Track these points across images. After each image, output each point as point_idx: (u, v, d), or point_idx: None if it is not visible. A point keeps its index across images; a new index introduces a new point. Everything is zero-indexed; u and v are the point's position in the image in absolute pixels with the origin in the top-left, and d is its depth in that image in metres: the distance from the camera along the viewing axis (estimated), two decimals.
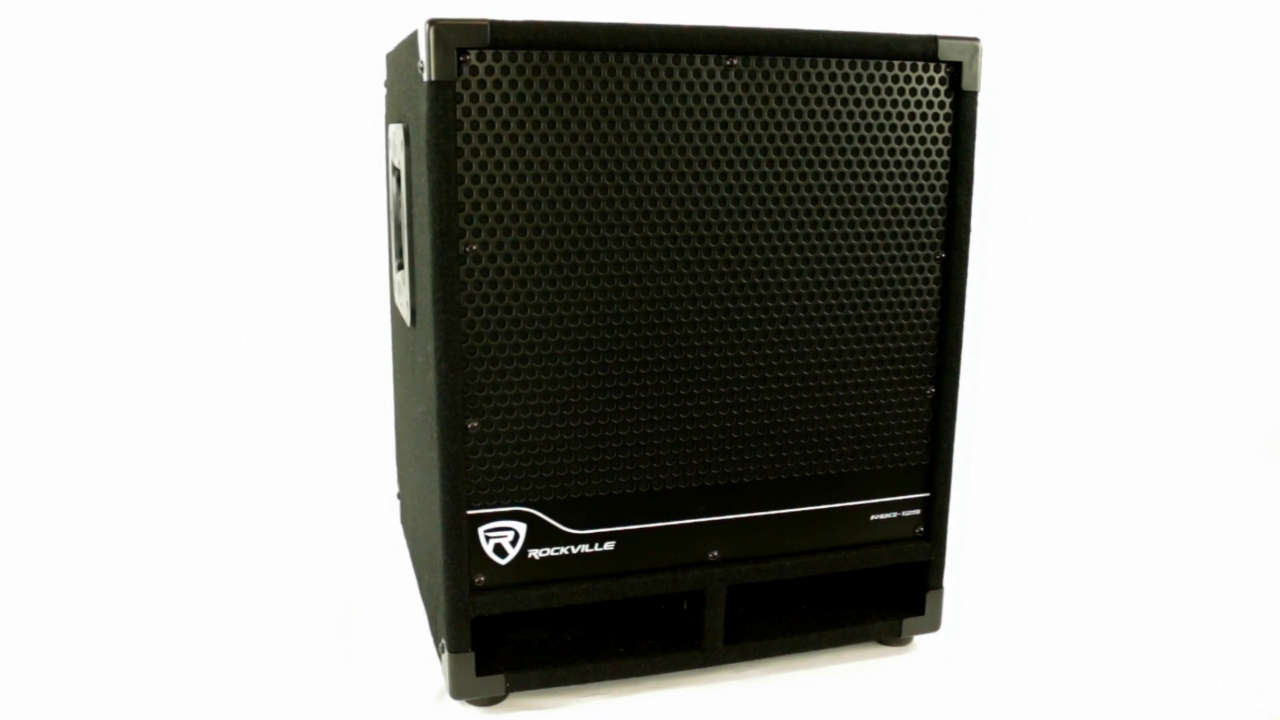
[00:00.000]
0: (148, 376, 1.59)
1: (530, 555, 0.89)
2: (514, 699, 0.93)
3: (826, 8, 1.13)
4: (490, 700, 0.91)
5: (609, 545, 0.91)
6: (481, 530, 0.87)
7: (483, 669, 0.90)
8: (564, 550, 0.89)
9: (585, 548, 0.90)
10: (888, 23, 1.00)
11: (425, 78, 0.79)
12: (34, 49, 1.52)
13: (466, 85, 0.79)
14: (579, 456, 0.88)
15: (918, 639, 1.04)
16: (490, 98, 0.80)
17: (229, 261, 1.61)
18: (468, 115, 0.80)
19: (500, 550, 0.88)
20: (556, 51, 0.81)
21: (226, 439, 1.54)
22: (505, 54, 0.80)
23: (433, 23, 0.78)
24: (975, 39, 0.90)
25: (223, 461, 1.49)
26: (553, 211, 0.83)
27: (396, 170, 1.00)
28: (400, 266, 1.01)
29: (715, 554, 0.94)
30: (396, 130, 0.98)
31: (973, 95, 0.91)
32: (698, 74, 0.84)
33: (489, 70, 0.80)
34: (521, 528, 0.88)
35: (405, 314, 0.99)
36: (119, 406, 1.57)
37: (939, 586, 1.01)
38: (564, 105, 0.82)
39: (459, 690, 0.89)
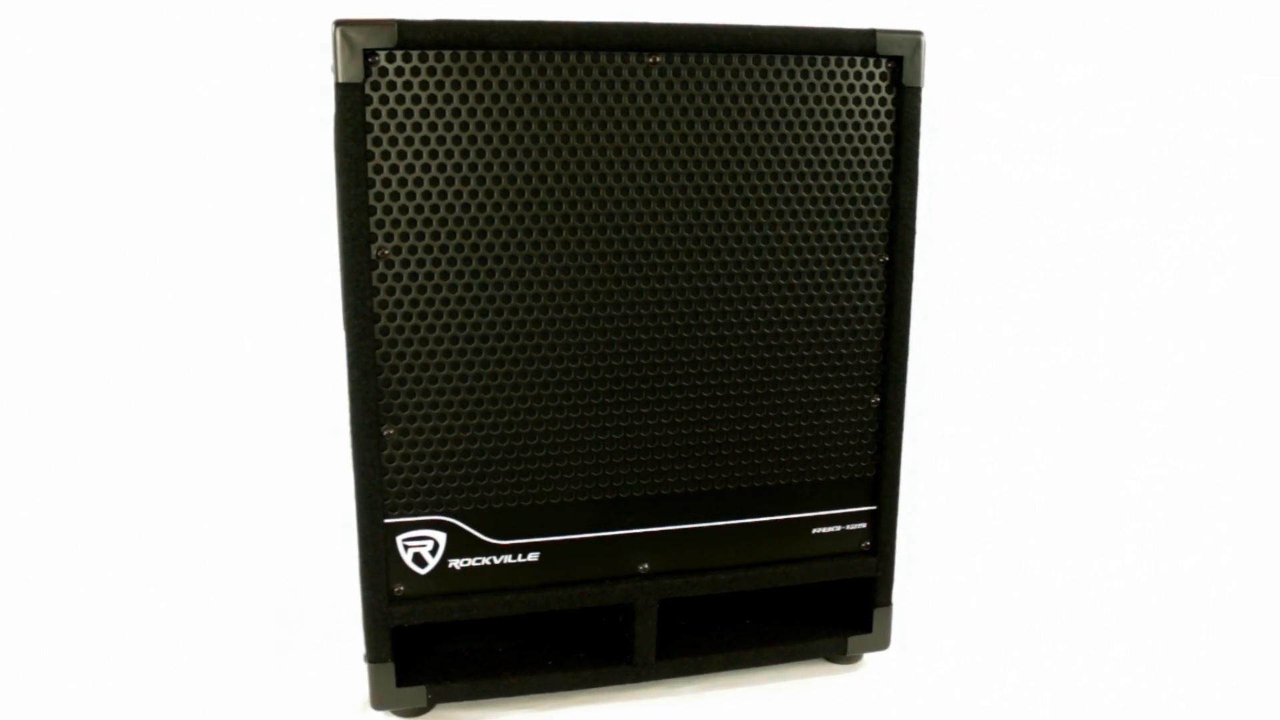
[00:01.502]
0: (104, 375, 1.55)
1: (451, 565, 0.87)
2: (440, 710, 0.91)
3: (781, 4, 1.09)
4: (413, 712, 0.90)
5: (533, 556, 0.88)
6: (400, 539, 0.85)
7: (404, 680, 0.88)
8: (486, 561, 0.87)
9: (508, 558, 0.88)
10: (846, 17, 0.96)
11: (333, 79, 0.77)
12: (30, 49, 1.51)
13: (376, 87, 0.78)
14: (500, 465, 0.86)
15: (867, 657, 1.01)
16: (401, 99, 0.78)
17: (216, 261, 1.60)
18: (378, 117, 0.78)
19: (419, 560, 0.86)
20: (469, 51, 0.78)
21: (189, 441, 1.52)
22: (416, 54, 0.78)
23: (339, 23, 0.76)
24: (918, 32, 0.86)
25: (193, 460, 1.48)
26: (467, 215, 0.81)
27: None
28: None
29: (646, 566, 0.91)
30: None
31: (915, 91, 0.87)
32: (618, 72, 0.81)
33: (399, 71, 0.78)
34: (441, 537, 0.86)
35: None
36: (74, 404, 1.54)
37: (887, 603, 0.97)
38: (477, 106, 0.79)
39: (379, 701, 0.88)
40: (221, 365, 1.51)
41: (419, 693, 0.88)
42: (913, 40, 0.86)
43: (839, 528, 0.95)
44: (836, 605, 1.00)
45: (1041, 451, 1.59)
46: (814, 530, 0.94)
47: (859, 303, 0.90)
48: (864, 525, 0.96)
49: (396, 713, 0.90)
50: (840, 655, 0.98)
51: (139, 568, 1.18)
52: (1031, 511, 1.39)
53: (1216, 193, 1.76)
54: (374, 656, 0.87)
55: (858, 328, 0.91)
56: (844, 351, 0.91)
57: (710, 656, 0.94)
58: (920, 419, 1.38)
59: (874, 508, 0.95)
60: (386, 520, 0.85)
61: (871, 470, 0.94)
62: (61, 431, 1.46)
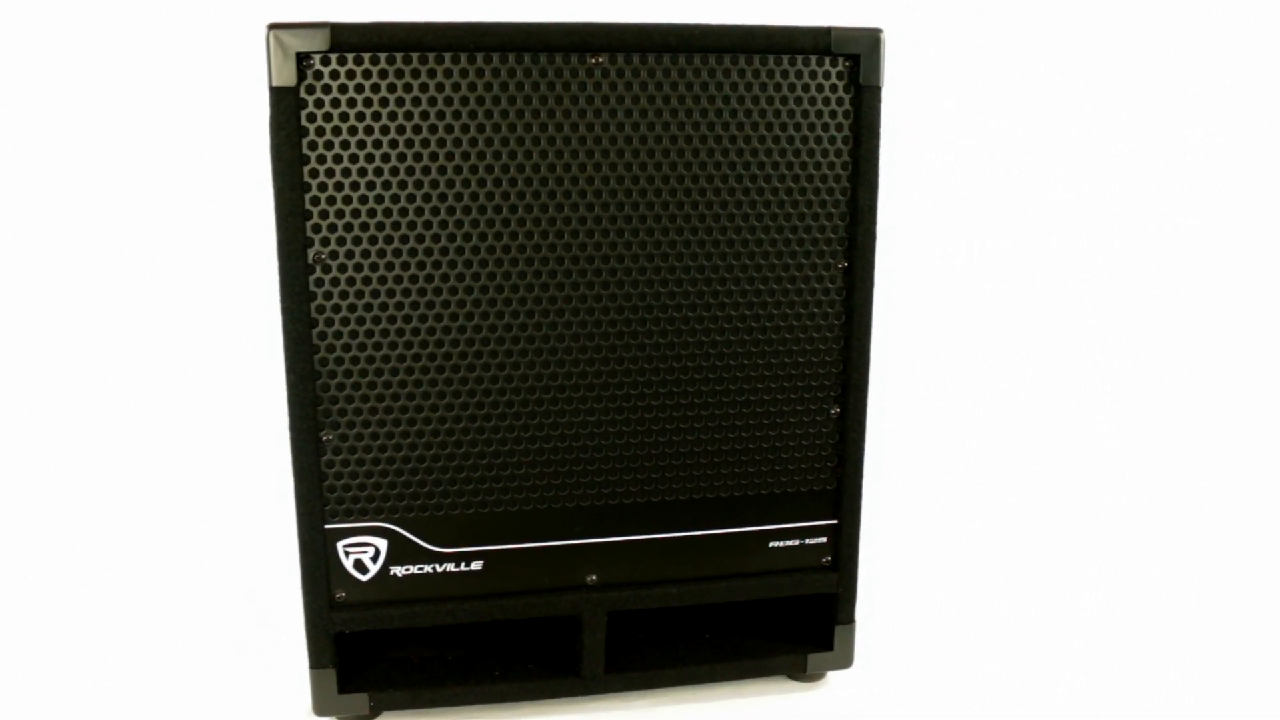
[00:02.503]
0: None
1: (393, 573, 0.86)
2: (387, 717, 0.91)
3: (743, 3, 1.06)
4: (358, 719, 0.89)
5: (476, 565, 0.87)
6: (340, 545, 0.85)
7: (347, 686, 0.88)
8: (428, 569, 0.86)
9: (451, 567, 0.87)
10: (810, 15, 0.92)
11: (268, 83, 0.76)
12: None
13: (311, 90, 0.77)
14: (441, 473, 0.85)
15: (831, 676, 0.97)
16: (336, 103, 0.77)
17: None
18: (313, 121, 0.77)
19: (361, 566, 0.86)
20: (404, 54, 0.77)
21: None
22: (350, 57, 0.77)
23: (272, 26, 0.75)
24: (876, 30, 0.83)
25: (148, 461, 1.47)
26: (405, 220, 0.80)
27: None
28: None
29: (594, 578, 0.89)
30: None
31: (875, 90, 0.84)
32: (558, 74, 0.79)
33: (334, 75, 0.77)
34: (382, 544, 0.85)
35: None
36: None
37: (850, 621, 0.94)
38: (414, 110, 0.78)
39: (321, 707, 0.87)
40: (169, 369, 1.49)
41: (361, 700, 0.87)
42: (870, 38, 0.83)
43: (797, 542, 0.92)
44: (798, 621, 0.97)
45: (1016, 463, 1.55)
46: (771, 544, 0.92)
47: (816, 310, 0.87)
48: (824, 540, 0.93)
49: (340, 719, 0.89)
50: (801, 673, 0.95)
51: (84, 572, 1.18)
52: (1005, 526, 1.35)
53: (1190, 193, 1.71)
54: (315, 662, 0.86)
55: (815, 335, 0.88)
56: (801, 360, 0.88)
57: (662, 671, 0.92)
58: (888, 430, 1.46)
59: (835, 522, 0.92)
60: (327, 526, 0.84)
61: (832, 483, 0.91)
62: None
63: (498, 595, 0.88)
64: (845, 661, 0.95)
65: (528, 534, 0.87)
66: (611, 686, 0.91)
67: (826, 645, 0.95)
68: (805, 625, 0.97)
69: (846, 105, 0.84)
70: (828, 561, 0.93)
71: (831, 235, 0.86)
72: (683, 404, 0.87)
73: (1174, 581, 1.18)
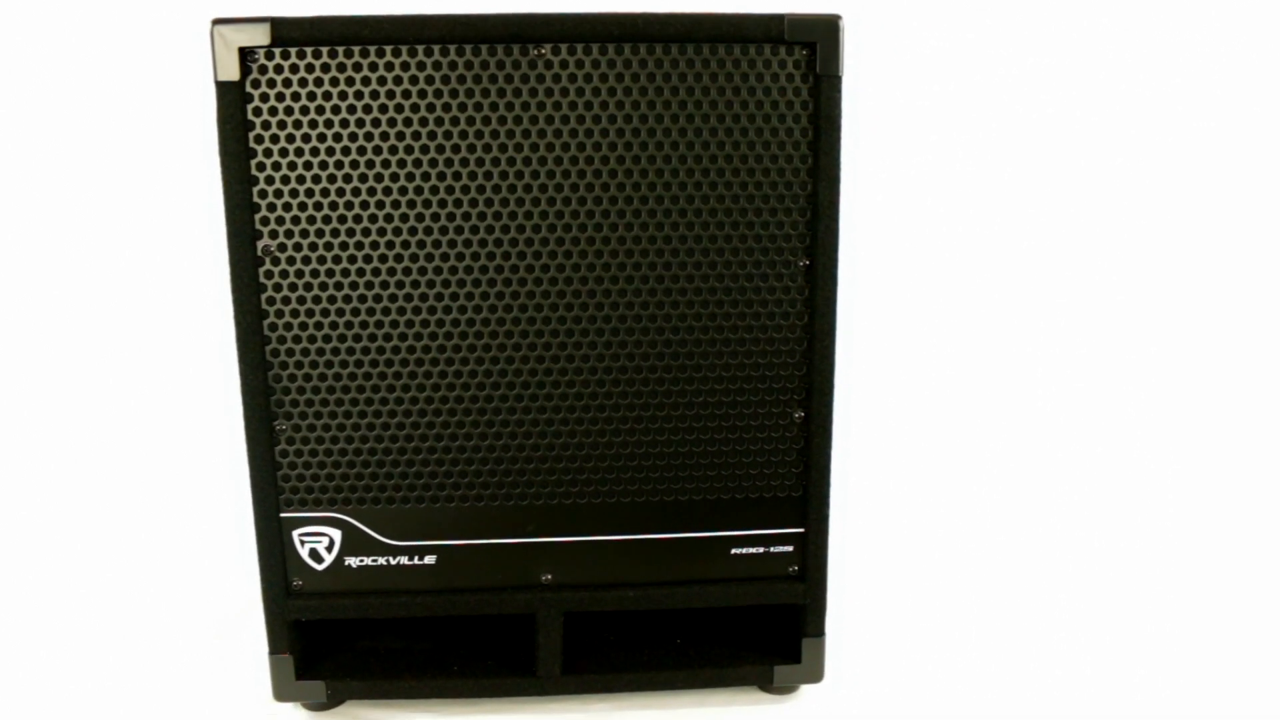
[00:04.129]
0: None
1: (347, 563, 0.87)
2: (349, 707, 0.92)
3: None
4: (320, 707, 0.90)
5: (429, 559, 0.87)
6: (296, 534, 0.86)
7: (306, 673, 0.89)
8: (381, 561, 0.87)
9: (404, 560, 0.87)
10: (788, 3, 0.89)
11: (213, 78, 0.78)
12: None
13: (256, 85, 0.78)
14: (393, 465, 0.85)
15: (805, 689, 0.94)
16: (281, 96, 0.78)
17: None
18: (259, 115, 0.79)
19: (316, 555, 0.87)
20: (346, 47, 0.78)
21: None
22: (294, 51, 0.78)
23: (216, 22, 0.77)
24: (834, 16, 0.79)
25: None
26: (351, 212, 0.81)
27: None
28: None
29: (549, 577, 0.88)
30: None
31: (834, 80, 0.79)
32: (500, 65, 0.78)
33: (278, 69, 0.78)
34: (336, 534, 0.86)
35: None
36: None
37: (819, 634, 0.90)
38: (356, 103, 0.79)
39: (280, 692, 0.89)
40: (135, 363, 1.52)
41: (319, 687, 0.89)
42: (827, 24, 0.78)
43: (761, 549, 0.89)
44: (767, 631, 0.94)
45: (997, 468, 1.50)
46: (733, 550, 0.89)
47: (776, 309, 0.84)
48: (790, 548, 0.89)
49: (306, 707, 0.91)
50: (766, 684, 0.92)
51: (47, 560, 1.22)
52: (989, 533, 1.30)
53: (1171, 189, 1.66)
54: (274, 648, 0.88)
55: (776, 336, 0.84)
56: (762, 361, 0.85)
57: (619, 675, 0.90)
58: (866, 435, 1.47)
59: (801, 530, 0.88)
60: (282, 514, 0.86)
61: (798, 489, 0.87)
62: None
63: (451, 591, 0.87)
64: (815, 676, 0.91)
65: (481, 530, 0.87)
66: (567, 688, 0.90)
67: (794, 658, 0.91)
68: (773, 636, 0.93)
69: (804, 96, 0.80)
70: (794, 571, 0.89)
71: (791, 232, 0.83)
72: (639, 403, 0.85)
73: (1152, 592, 1.14)
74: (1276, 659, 0.99)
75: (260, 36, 0.77)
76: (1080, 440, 1.56)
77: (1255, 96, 1.63)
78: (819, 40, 0.79)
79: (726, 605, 0.89)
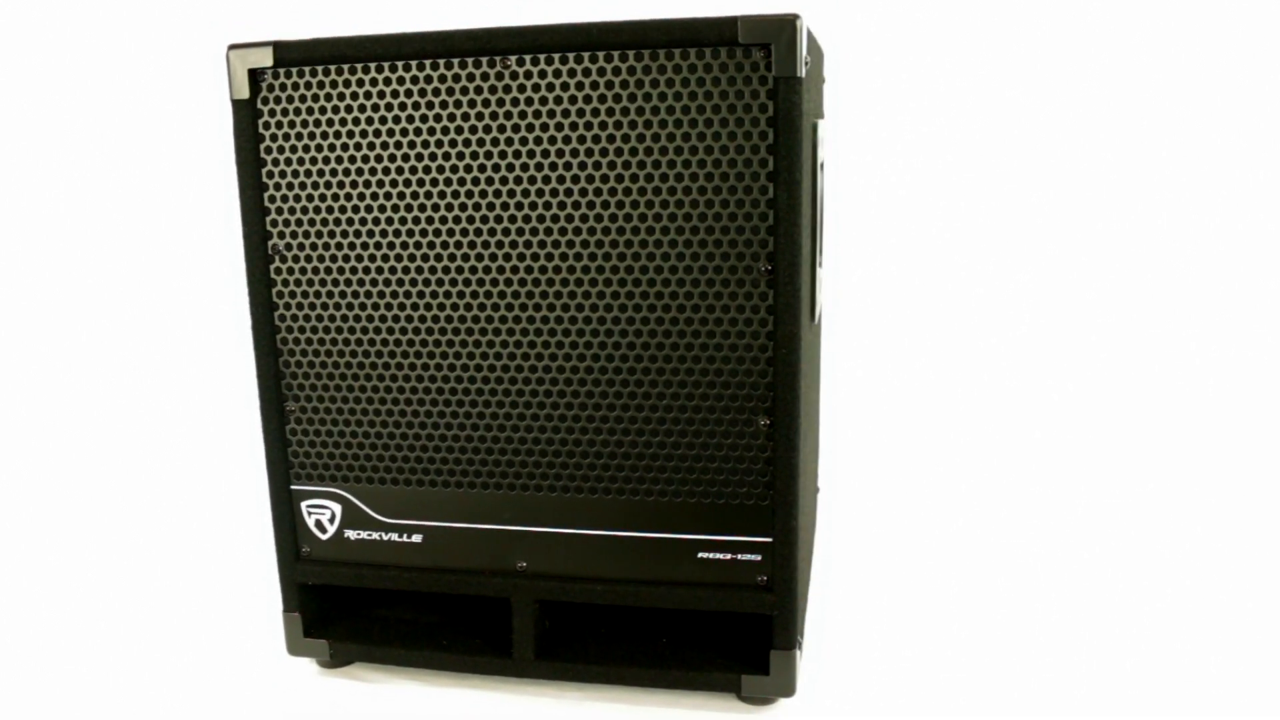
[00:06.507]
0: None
1: (346, 535, 0.95)
2: (356, 669, 1.00)
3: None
4: (327, 664, 0.99)
5: (417, 538, 0.94)
6: (304, 505, 0.95)
7: (311, 632, 0.98)
8: (375, 536, 0.94)
9: (395, 536, 0.94)
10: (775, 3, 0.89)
11: (229, 96, 0.88)
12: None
13: (265, 102, 0.87)
14: (385, 448, 0.92)
15: (784, 703, 0.92)
16: (286, 112, 0.87)
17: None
18: (268, 129, 0.88)
19: (320, 526, 0.95)
20: (338, 66, 0.85)
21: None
22: (295, 71, 0.86)
23: (231, 47, 0.87)
24: (792, 16, 0.77)
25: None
26: (343, 216, 0.88)
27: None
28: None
29: (524, 565, 0.92)
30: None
31: (792, 81, 0.78)
32: (470, 78, 0.83)
33: (283, 87, 0.87)
34: (337, 508, 0.95)
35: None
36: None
37: (789, 648, 0.88)
38: (347, 116, 0.86)
39: (291, 647, 0.98)
40: (168, 352, 1.81)
41: (322, 646, 0.98)
42: (781, 25, 0.77)
43: (728, 556, 0.88)
44: (743, 640, 0.93)
45: (992, 477, 1.46)
46: (699, 554, 0.89)
47: (739, 315, 0.83)
48: (759, 557, 0.88)
49: (320, 664, 1.00)
50: (735, 693, 0.91)
51: (91, 529, 1.37)
52: (970, 542, 1.25)
53: (1162, 190, 1.70)
54: (286, 607, 0.98)
55: (739, 342, 0.84)
56: (725, 367, 0.84)
57: (590, 666, 0.93)
58: (857, 439, 1.51)
59: (769, 539, 0.87)
60: (292, 486, 0.95)
61: (765, 498, 0.86)
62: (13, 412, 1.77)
63: (436, 569, 0.93)
64: (786, 690, 0.90)
65: (464, 514, 0.92)
66: (540, 673, 0.93)
67: (763, 669, 0.89)
68: (747, 645, 0.92)
69: (762, 99, 0.79)
70: (763, 581, 0.88)
71: (752, 237, 0.82)
72: (601, 404, 0.87)
73: (1135, 599, 1.10)
74: (1262, 661, 0.89)
75: (265, 58, 0.86)
76: (1079, 442, 1.55)
77: (1247, 99, 1.66)
78: (774, 41, 0.77)
79: (694, 609, 0.90)
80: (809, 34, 0.81)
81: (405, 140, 0.85)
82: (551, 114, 0.82)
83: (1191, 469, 1.46)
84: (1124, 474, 1.44)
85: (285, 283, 0.91)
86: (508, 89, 0.83)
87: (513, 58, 0.82)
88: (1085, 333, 1.75)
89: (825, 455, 1.49)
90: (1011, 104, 1.67)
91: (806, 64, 0.80)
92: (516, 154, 0.84)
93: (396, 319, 0.89)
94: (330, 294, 0.90)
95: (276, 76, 0.87)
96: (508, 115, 0.83)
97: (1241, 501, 1.34)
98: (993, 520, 1.31)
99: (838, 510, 1.35)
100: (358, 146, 0.86)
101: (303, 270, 0.90)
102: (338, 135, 0.87)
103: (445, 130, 0.85)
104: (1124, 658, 0.97)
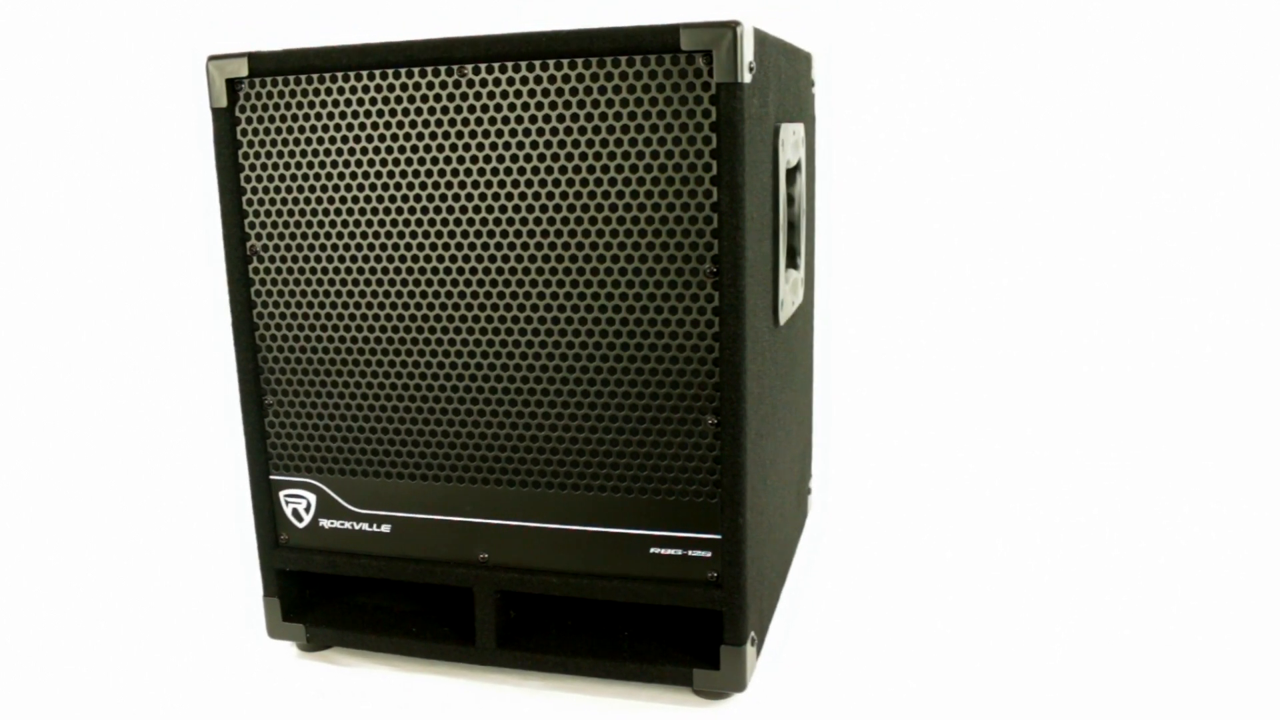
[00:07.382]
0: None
1: (321, 524, 0.99)
2: (333, 653, 1.04)
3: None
4: (305, 647, 1.04)
5: (385, 528, 0.97)
6: (282, 494, 1.00)
7: (289, 616, 1.03)
8: (347, 525, 0.98)
9: (365, 526, 0.98)
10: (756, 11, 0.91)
11: (209, 105, 0.93)
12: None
13: (243, 110, 0.92)
14: (354, 440, 0.96)
15: (737, 697, 0.94)
16: (261, 119, 0.92)
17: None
18: (245, 135, 0.92)
19: (297, 514, 1.00)
20: (308, 75, 0.89)
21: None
22: (269, 80, 0.91)
23: (211, 58, 0.91)
24: (732, 23, 0.79)
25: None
26: (316, 219, 0.92)
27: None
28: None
29: (485, 556, 0.95)
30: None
31: (733, 87, 0.80)
32: (430, 86, 0.87)
33: (259, 96, 0.91)
34: (312, 497, 0.99)
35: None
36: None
37: (739, 644, 0.90)
38: (316, 124, 0.90)
39: (271, 630, 1.03)
40: (158, 349, 1.91)
41: (299, 629, 1.02)
42: (721, 33, 0.79)
43: (679, 552, 0.90)
44: (699, 636, 0.95)
45: (988, 477, 1.46)
46: (651, 550, 0.91)
47: (685, 316, 0.85)
48: (708, 554, 0.90)
49: (299, 647, 1.05)
50: (687, 686, 0.93)
51: (91, 515, 1.43)
52: (974, 548, 1.24)
53: (1157, 190, 1.71)
54: (266, 591, 1.02)
55: (685, 343, 0.86)
56: (673, 367, 0.86)
57: (549, 656, 0.95)
58: (854, 442, 1.52)
59: (718, 536, 0.89)
60: (271, 476, 1.00)
61: (715, 495, 0.88)
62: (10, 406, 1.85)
63: (403, 559, 0.97)
64: (737, 684, 0.91)
65: (429, 506, 0.95)
66: (501, 661, 0.96)
67: (714, 664, 0.91)
68: (702, 640, 0.94)
69: (705, 105, 0.81)
70: (713, 577, 0.90)
71: (698, 240, 0.84)
72: (556, 401, 0.90)
73: (1132, 599, 1.09)
74: (1258, 661, 0.87)
75: (241, 69, 0.90)
76: (1074, 442, 1.54)
77: (1245, 99, 1.66)
78: (714, 48, 0.79)
79: (647, 603, 0.92)
80: (776, 40, 0.82)
81: (370, 146, 0.89)
82: (505, 120, 0.85)
83: (1186, 467, 1.44)
84: (1119, 473, 1.43)
85: (263, 282, 0.95)
86: (465, 97, 0.86)
87: (469, 66, 0.85)
88: (1080, 333, 1.74)
89: (822, 455, 1.50)
90: (1010, 104, 1.68)
91: (752, 70, 0.81)
92: (474, 159, 0.87)
93: (365, 317, 0.93)
94: (305, 293, 0.94)
95: (253, 86, 0.91)
96: (465, 122, 0.86)
97: (1238, 502, 1.32)
98: (986, 522, 1.30)
99: (833, 510, 1.36)
100: (327, 152, 0.90)
101: (279, 270, 0.94)
102: (309, 141, 0.91)
103: (407, 136, 0.88)
104: (1123, 658, 0.96)
